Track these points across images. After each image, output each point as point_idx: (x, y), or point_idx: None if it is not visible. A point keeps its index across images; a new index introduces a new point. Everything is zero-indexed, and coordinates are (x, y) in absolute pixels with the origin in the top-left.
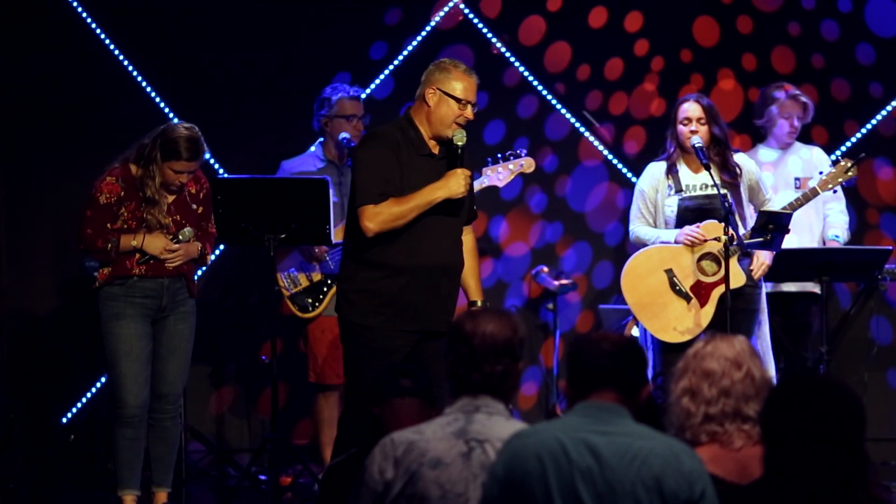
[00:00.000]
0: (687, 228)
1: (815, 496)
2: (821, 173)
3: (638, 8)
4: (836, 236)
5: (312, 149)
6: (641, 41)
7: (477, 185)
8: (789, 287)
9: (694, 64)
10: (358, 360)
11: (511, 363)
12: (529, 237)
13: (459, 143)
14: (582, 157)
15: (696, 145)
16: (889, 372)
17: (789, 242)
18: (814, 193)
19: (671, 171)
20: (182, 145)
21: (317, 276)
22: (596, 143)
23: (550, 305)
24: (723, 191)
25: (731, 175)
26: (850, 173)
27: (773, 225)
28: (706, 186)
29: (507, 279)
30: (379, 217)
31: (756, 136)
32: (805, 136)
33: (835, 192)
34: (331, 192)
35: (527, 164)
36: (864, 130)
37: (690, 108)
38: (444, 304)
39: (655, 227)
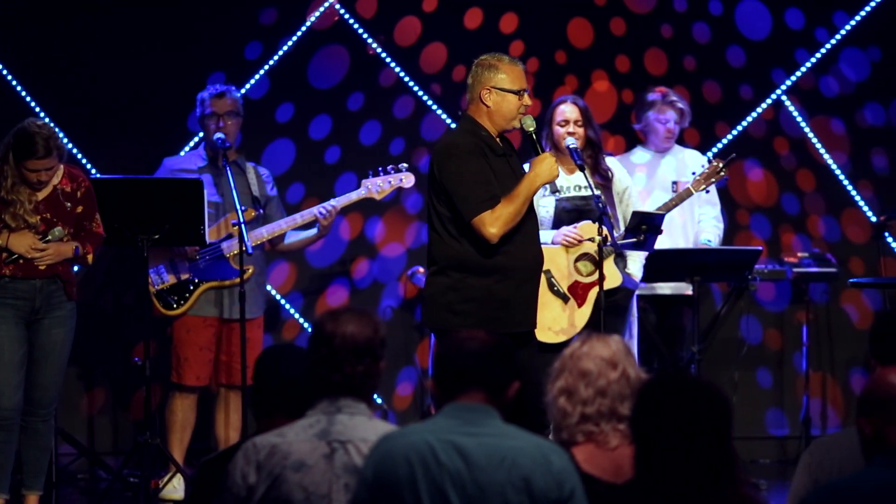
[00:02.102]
0: (564, 229)
1: (685, 494)
2: (693, 174)
3: (513, 9)
4: (709, 241)
5: (189, 147)
6: (516, 42)
7: (354, 197)
8: (664, 289)
9: (568, 66)
10: None
11: (372, 363)
12: (405, 237)
13: (531, 129)
14: None
15: (571, 146)
16: (758, 371)
17: (662, 244)
18: (687, 194)
19: None
20: (36, 143)
21: (185, 275)
22: None
23: None
24: (597, 191)
25: (602, 178)
26: (721, 174)
27: (647, 226)
28: (579, 188)
29: (383, 280)
30: (500, 220)
31: (630, 137)
32: (677, 138)
33: (707, 192)
34: (212, 191)
35: (405, 178)
36: (734, 132)
37: (568, 110)
38: (535, 302)
39: None
